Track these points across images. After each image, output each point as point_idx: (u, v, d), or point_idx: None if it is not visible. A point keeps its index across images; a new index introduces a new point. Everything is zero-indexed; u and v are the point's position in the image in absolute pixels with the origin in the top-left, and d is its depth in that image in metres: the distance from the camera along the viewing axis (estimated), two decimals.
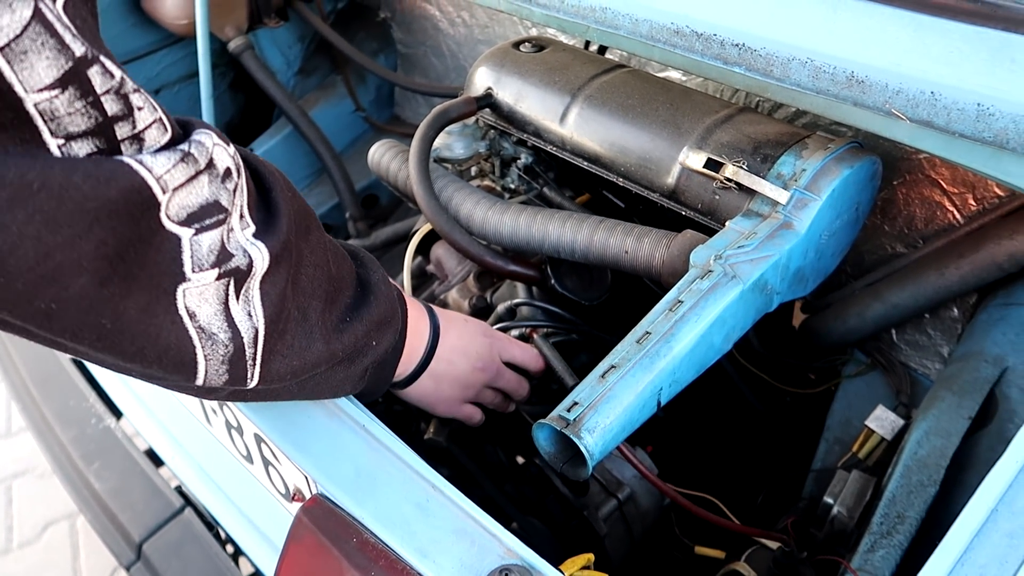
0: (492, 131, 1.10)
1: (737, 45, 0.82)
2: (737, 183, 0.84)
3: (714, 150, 0.87)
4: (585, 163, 0.97)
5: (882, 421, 1.01)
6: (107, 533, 1.04)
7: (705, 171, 0.86)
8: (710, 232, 0.84)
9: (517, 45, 1.10)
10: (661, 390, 0.70)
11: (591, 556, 0.64)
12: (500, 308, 0.97)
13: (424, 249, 1.21)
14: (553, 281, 0.94)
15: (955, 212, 1.05)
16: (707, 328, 0.72)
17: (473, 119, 1.10)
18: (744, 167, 0.84)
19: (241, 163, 0.52)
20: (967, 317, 1.08)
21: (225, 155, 0.49)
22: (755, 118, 0.92)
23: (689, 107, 0.94)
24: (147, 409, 1.10)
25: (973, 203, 1.03)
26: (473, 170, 1.14)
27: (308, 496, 0.71)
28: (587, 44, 1.29)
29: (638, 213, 1.06)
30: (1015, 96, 0.70)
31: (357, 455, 0.62)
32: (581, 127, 0.97)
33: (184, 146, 0.46)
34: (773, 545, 0.90)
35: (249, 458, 0.83)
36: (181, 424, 1.01)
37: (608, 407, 0.65)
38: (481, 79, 1.07)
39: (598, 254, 0.88)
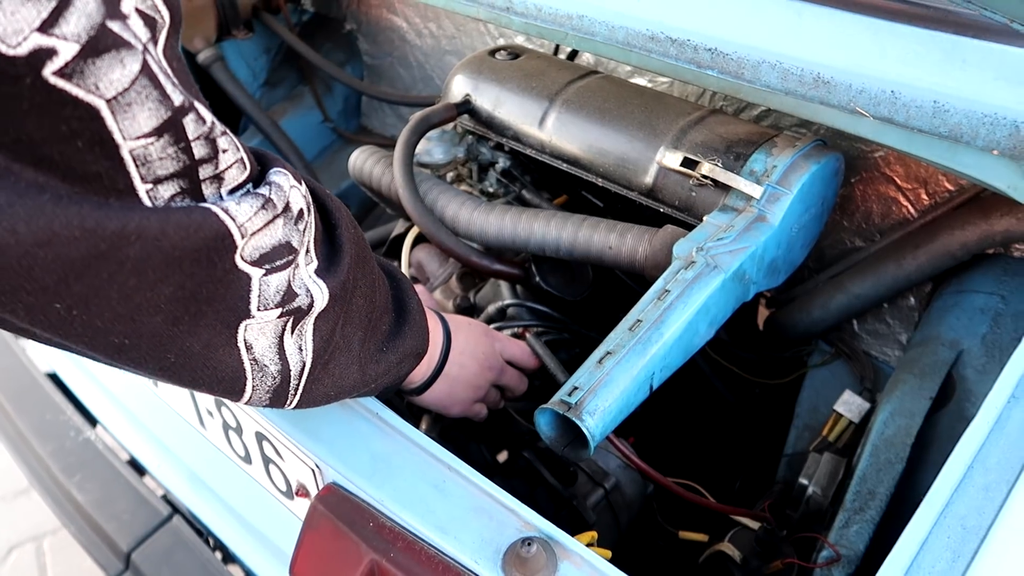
0: (470, 136, 1.14)
1: (710, 50, 0.87)
2: (713, 180, 0.88)
3: (689, 149, 0.92)
4: (565, 165, 1.01)
5: (849, 405, 1.06)
6: (93, 545, 1.03)
7: (682, 169, 0.90)
8: (688, 227, 0.89)
9: (493, 53, 1.13)
10: (653, 374, 0.73)
11: (594, 534, 0.67)
12: (491, 309, 1.00)
13: (395, 250, 1.23)
14: (538, 279, 0.97)
15: (909, 207, 1.11)
16: (693, 315, 0.76)
17: (451, 125, 1.12)
18: (719, 165, 0.88)
19: (311, 201, 0.53)
20: (923, 305, 1.14)
21: (299, 196, 0.50)
22: (725, 119, 0.97)
23: (663, 110, 0.98)
24: (130, 418, 1.10)
25: (926, 198, 1.09)
26: (451, 175, 1.17)
27: (313, 491, 0.73)
28: (556, 50, 1.34)
29: (616, 212, 1.10)
30: (967, 93, 0.76)
31: (371, 442, 0.64)
32: (560, 131, 1.01)
33: (264, 190, 0.47)
34: (754, 525, 0.94)
35: (247, 458, 0.84)
36: (169, 430, 1.01)
37: (606, 391, 0.68)
38: (459, 86, 1.10)
39: (582, 251, 0.91)
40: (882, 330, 1.20)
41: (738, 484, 1.16)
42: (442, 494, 0.59)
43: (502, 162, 1.13)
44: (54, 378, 1.24)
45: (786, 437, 1.14)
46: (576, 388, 0.68)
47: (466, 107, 1.08)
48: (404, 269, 1.08)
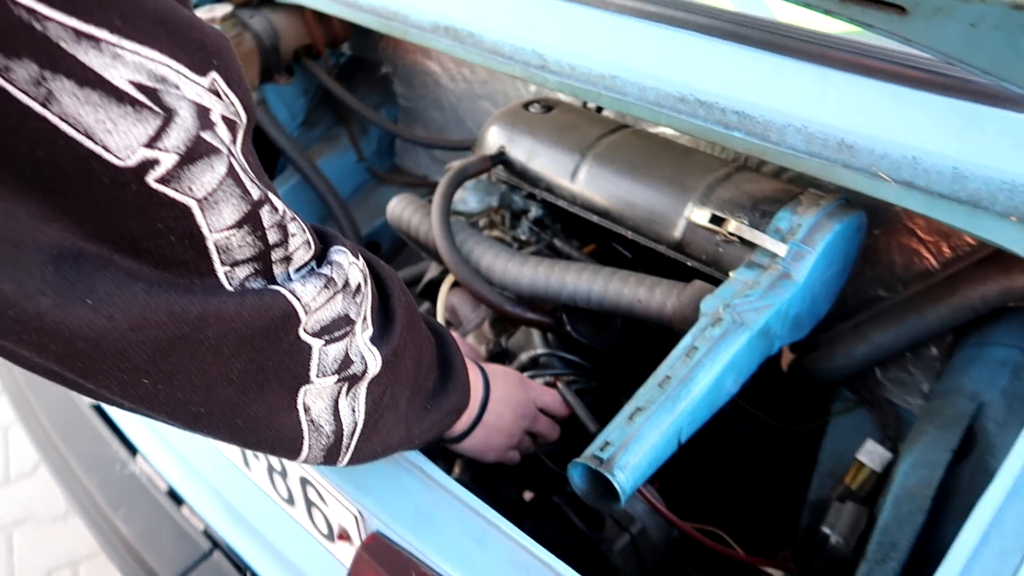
0: (503, 185, 1.18)
1: (737, 112, 0.90)
2: (740, 237, 0.92)
3: (717, 206, 0.95)
4: (595, 217, 1.05)
5: (872, 454, 1.08)
6: None
7: (710, 226, 0.94)
8: (714, 281, 0.92)
9: (526, 106, 1.18)
10: (681, 429, 0.76)
11: None
12: (524, 357, 1.03)
13: (429, 294, 1.28)
14: (568, 327, 1.01)
15: (931, 259, 1.14)
16: (720, 372, 0.79)
17: (485, 175, 1.17)
18: (745, 223, 0.92)
19: (368, 273, 0.57)
20: (945, 356, 1.16)
21: (357, 271, 0.55)
22: (751, 176, 1.00)
23: (691, 165, 1.02)
24: (171, 450, 1.14)
25: (947, 251, 1.12)
26: (482, 221, 1.22)
27: (355, 536, 0.77)
28: (584, 102, 1.38)
29: (645, 263, 1.13)
30: (986, 161, 0.79)
31: (414, 493, 0.67)
32: (591, 184, 1.05)
33: (326, 269, 0.52)
34: (778, 574, 0.96)
35: (290, 500, 0.88)
36: (212, 466, 1.06)
37: (637, 446, 0.72)
38: (494, 137, 1.15)
39: (612, 303, 0.95)
40: (905, 379, 1.22)
41: (760, 530, 1.18)
42: (482, 547, 0.62)
43: (534, 211, 1.17)
44: (98, 409, 1.29)
45: (808, 483, 1.16)
46: (608, 443, 0.71)
47: (500, 158, 1.13)
48: (439, 313, 1.12)
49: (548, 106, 1.18)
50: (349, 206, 1.71)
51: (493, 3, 1.13)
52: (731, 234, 0.92)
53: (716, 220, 0.94)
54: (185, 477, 1.14)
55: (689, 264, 0.97)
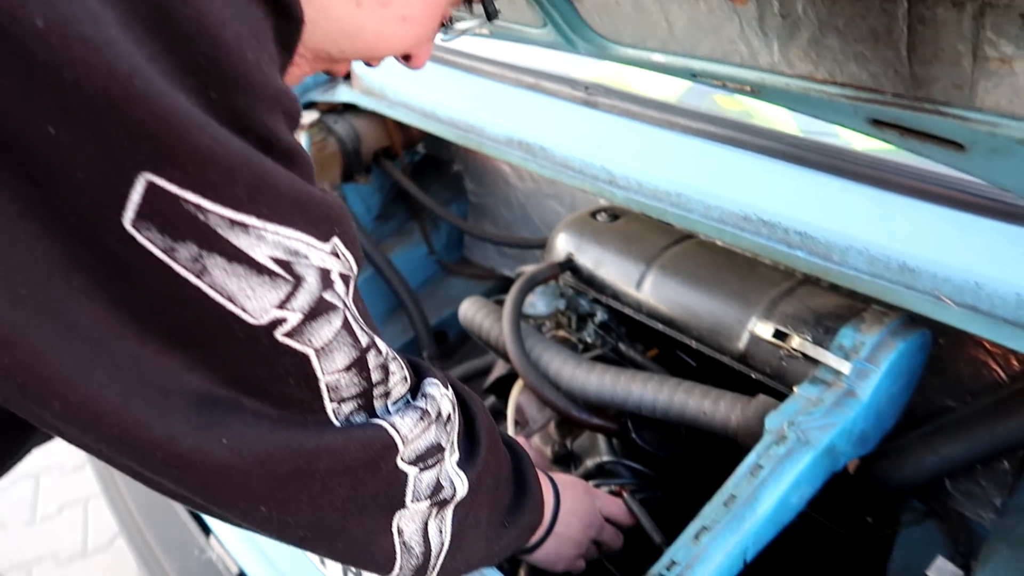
0: (571, 289, 1.23)
1: (800, 232, 0.94)
2: (803, 353, 0.94)
3: (780, 320, 0.98)
4: (660, 325, 1.08)
5: (943, 572, 1.06)
6: None
7: (773, 340, 0.96)
8: (778, 394, 0.94)
9: (594, 214, 1.23)
10: (747, 549, 0.78)
11: None
12: (589, 464, 1.06)
13: (496, 390, 1.32)
14: (634, 435, 1.03)
15: (1000, 371, 1.13)
16: (785, 491, 0.81)
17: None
18: (809, 339, 0.94)
19: (456, 401, 0.63)
20: (1017, 470, 1.14)
21: (447, 402, 0.60)
22: (814, 290, 1.03)
23: (754, 278, 1.05)
24: (247, 537, 1.19)
25: (1016, 364, 1.11)
26: (549, 322, 1.26)
27: None
28: None
29: (709, 371, 1.16)
30: None
31: None
32: (656, 293, 1.09)
33: (421, 402, 0.57)
34: None
35: None
36: (285, 558, 1.10)
37: (702, 567, 0.73)
38: (562, 244, 1.21)
39: (677, 413, 0.98)
40: (976, 492, 1.20)
41: None
42: None
43: (600, 315, 1.21)
44: None
45: None
46: (674, 563, 0.73)
47: (569, 265, 1.18)
48: (509, 414, 1.16)
49: (615, 214, 1.23)
50: (419, 297, 1.79)
51: (564, 120, 1.20)
52: (794, 350, 0.94)
53: (779, 335, 0.96)
54: (257, 563, 1.18)
55: (753, 376, 1.00)
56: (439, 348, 1.76)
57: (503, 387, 1.30)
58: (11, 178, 0.36)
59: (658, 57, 0.95)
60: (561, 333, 1.25)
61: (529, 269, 1.17)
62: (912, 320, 0.98)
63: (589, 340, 1.22)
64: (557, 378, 1.07)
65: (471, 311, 1.20)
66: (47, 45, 0.33)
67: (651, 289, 1.10)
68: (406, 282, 1.70)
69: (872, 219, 0.92)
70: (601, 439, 1.10)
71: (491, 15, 0.62)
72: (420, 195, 1.70)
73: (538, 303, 1.21)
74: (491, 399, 1.37)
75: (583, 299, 1.23)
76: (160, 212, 0.38)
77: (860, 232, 0.92)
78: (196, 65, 0.37)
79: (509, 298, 1.11)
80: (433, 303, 1.83)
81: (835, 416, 0.88)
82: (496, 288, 1.86)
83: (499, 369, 1.32)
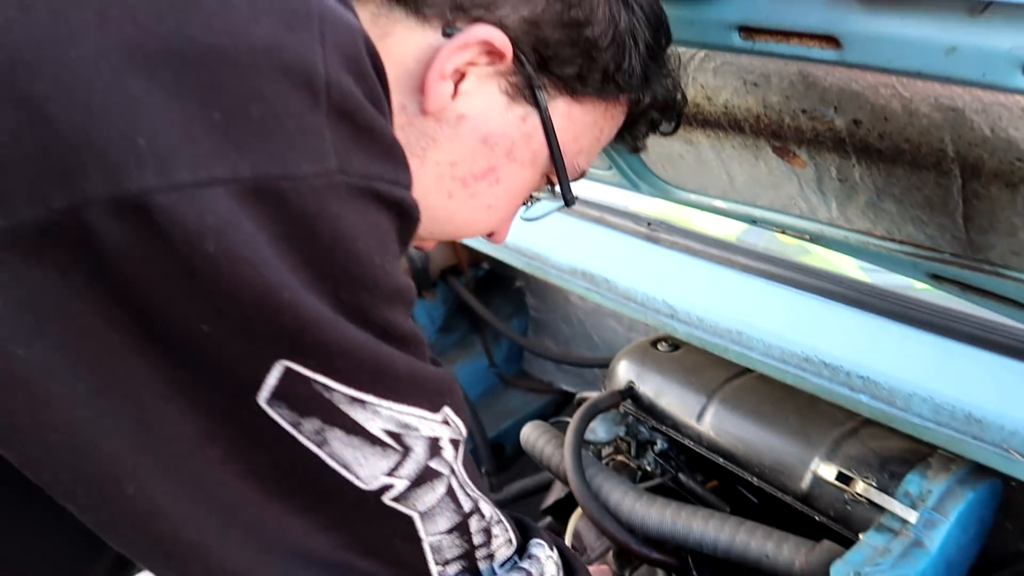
0: (631, 416, 1.25)
1: (862, 377, 0.95)
2: (868, 499, 0.93)
3: (843, 462, 0.98)
4: (721, 459, 1.09)
5: None
6: None
7: (837, 483, 0.96)
8: (842, 539, 0.93)
9: (655, 343, 1.26)
10: None
11: None
12: None
13: (555, 512, 1.33)
14: (695, 573, 1.03)
15: None
16: None
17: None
18: (874, 484, 0.94)
19: (561, 562, 0.65)
20: None
21: (552, 564, 0.63)
22: (878, 432, 1.02)
23: (817, 416, 1.05)
24: None
25: None
26: (608, 447, 1.28)
27: None
28: None
29: (770, 509, 1.15)
30: None
31: None
32: (717, 427, 1.10)
33: (526, 564, 0.61)
34: None
35: None
36: None
37: None
38: (623, 372, 1.23)
39: (739, 554, 0.97)
40: None
41: None
42: None
43: (659, 443, 1.22)
44: None
45: None
46: None
47: (629, 393, 1.20)
48: (567, 539, 1.17)
49: (676, 344, 1.25)
50: (477, 408, 1.82)
51: (627, 254, 1.25)
52: (859, 495, 0.94)
53: (843, 478, 0.96)
54: None
55: (817, 519, 0.99)
56: (496, 461, 1.78)
57: (561, 510, 1.31)
58: (167, 365, 0.41)
59: (719, 203, 1.00)
60: (620, 458, 1.26)
61: (590, 396, 1.19)
62: (981, 468, 0.97)
63: (648, 468, 1.23)
64: (617, 509, 1.07)
65: (532, 436, 1.22)
66: (214, 266, 0.39)
67: (712, 422, 1.11)
68: (465, 394, 1.74)
69: (936, 367, 0.93)
70: (660, 574, 1.09)
71: (569, 203, 0.68)
72: (483, 311, 1.76)
73: (598, 429, 1.22)
74: (548, 519, 1.37)
75: (643, 426, 1.24)
76: (292, 392, 0.44)
77: (924, 379, 0.92)
78: (331, 274, 0.43)
79: (571, 428, 1.13)
80: (492, 415, 1.86)
81: (903, 568, 0.87)
82: (554, 403, 1.88)
83: (557, 491, 1.33)
